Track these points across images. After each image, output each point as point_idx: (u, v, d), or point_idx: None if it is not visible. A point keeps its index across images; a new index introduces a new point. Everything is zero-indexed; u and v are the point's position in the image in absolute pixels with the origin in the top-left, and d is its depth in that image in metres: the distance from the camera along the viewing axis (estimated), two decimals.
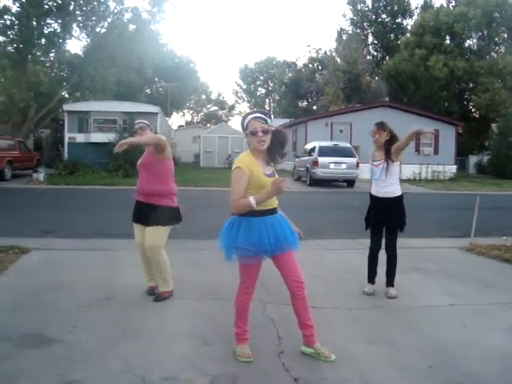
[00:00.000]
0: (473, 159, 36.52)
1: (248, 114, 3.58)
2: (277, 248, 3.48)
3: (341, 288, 5.56)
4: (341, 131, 27.14)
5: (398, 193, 5.22)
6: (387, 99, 33.43)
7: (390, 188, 5.17)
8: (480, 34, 43.80)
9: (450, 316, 4.72)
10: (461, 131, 31.39)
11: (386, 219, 5.22)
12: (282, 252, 3.52)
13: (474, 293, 5.53)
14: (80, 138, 23.36)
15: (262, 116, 3.50)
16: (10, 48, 25.48)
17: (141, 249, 5.00)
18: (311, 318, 3.67)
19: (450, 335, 4.20)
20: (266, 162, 3.57)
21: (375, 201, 5.29)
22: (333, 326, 4.40)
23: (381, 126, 5.14)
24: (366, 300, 5.11)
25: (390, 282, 5.32)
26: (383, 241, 5.36)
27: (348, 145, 21.86)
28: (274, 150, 3.54)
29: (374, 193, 5.28)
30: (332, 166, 19.97)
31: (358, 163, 20.07)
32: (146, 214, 4.86)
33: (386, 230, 5.29)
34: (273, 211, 3.55)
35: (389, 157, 5.11)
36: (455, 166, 28.41)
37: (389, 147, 5.11)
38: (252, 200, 3.32)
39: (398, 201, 5.22)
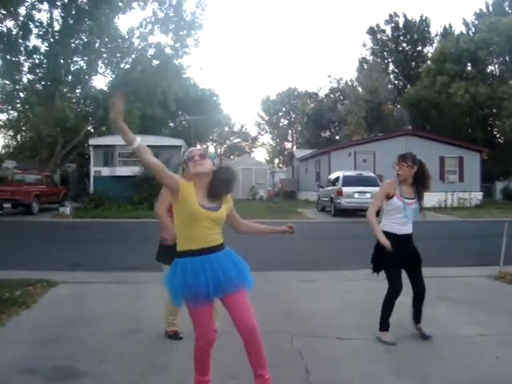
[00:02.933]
0: (499, 185, 35.98)
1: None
2: (218, 290, 3.22)
3: (368, 319, 5.47)
4: (364, 160, 27.11)
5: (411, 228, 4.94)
6: (410, 127, 33.36)
7: (410, 225, 4.90)
8: (501, 59, 43.63)
9: (482, 347, 4.62)
10: (486, 157, 31.00)
11: (410, 257, 4.89)
12: (227, 293, 3.27)
13: (504, 323, 5.41)
14: (105, 171, 23.75)
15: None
16: (38, 85, 26.26)
17: None
18: (266, 366, 3.32)
19: (483, 367, 4.11)
20: (208, 198, 3.27)
21: (397, 239, 4.84)
22: (360, 358, 4.34)
23: (401, 157, 4.83)
24: (393, 331, 4.97)
25: (419, 317, 4.95)
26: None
27: (372, 174, 21.78)
28: (217, 184, 3.30)
29: (393, 231, 4.87)
30: (356, 195, 19.84)
31: None
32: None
33: (410, 269, 4.93)
34: (211, 250, 3.24)
35: (421, 198, 4.82)
36: (481, 193, 28.04)
37: (421, 185, 4.83)
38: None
39: (412, 236, 4.94)
